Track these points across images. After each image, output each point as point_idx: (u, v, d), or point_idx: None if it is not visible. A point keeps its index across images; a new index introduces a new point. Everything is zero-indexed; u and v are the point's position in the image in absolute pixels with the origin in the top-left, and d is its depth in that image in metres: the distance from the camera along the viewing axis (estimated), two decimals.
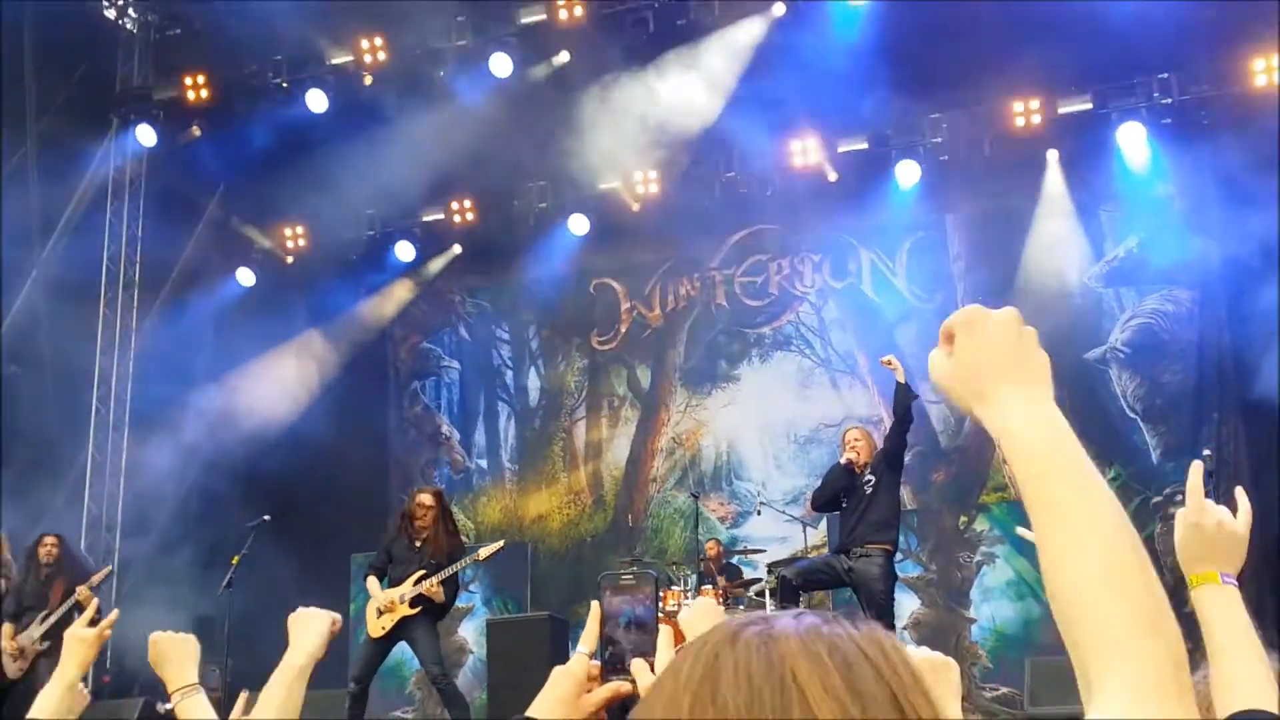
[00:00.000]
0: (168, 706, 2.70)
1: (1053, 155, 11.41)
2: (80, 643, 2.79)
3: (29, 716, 2.69)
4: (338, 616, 2.52)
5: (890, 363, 8.00)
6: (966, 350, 1.17)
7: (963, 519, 11.26)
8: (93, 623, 2.87)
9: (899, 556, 10.55)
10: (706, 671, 0.84)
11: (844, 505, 8.06)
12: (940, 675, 1.99)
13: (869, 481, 7.97)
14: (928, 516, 11.35)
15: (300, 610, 2.51)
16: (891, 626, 7.80)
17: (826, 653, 0.83)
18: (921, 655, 1.98)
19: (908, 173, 11.56)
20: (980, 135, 11.33)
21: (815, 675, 0.82)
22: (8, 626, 8.81)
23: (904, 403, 7.92)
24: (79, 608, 8.57)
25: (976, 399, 1.15)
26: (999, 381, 1.14)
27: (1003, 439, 1.11)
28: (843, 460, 8.11)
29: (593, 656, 1.80)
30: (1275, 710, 1.53)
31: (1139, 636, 0.97)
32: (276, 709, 2.31)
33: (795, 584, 7.91)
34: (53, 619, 8.69)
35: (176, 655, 2.70)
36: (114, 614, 2.93)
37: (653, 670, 1.75)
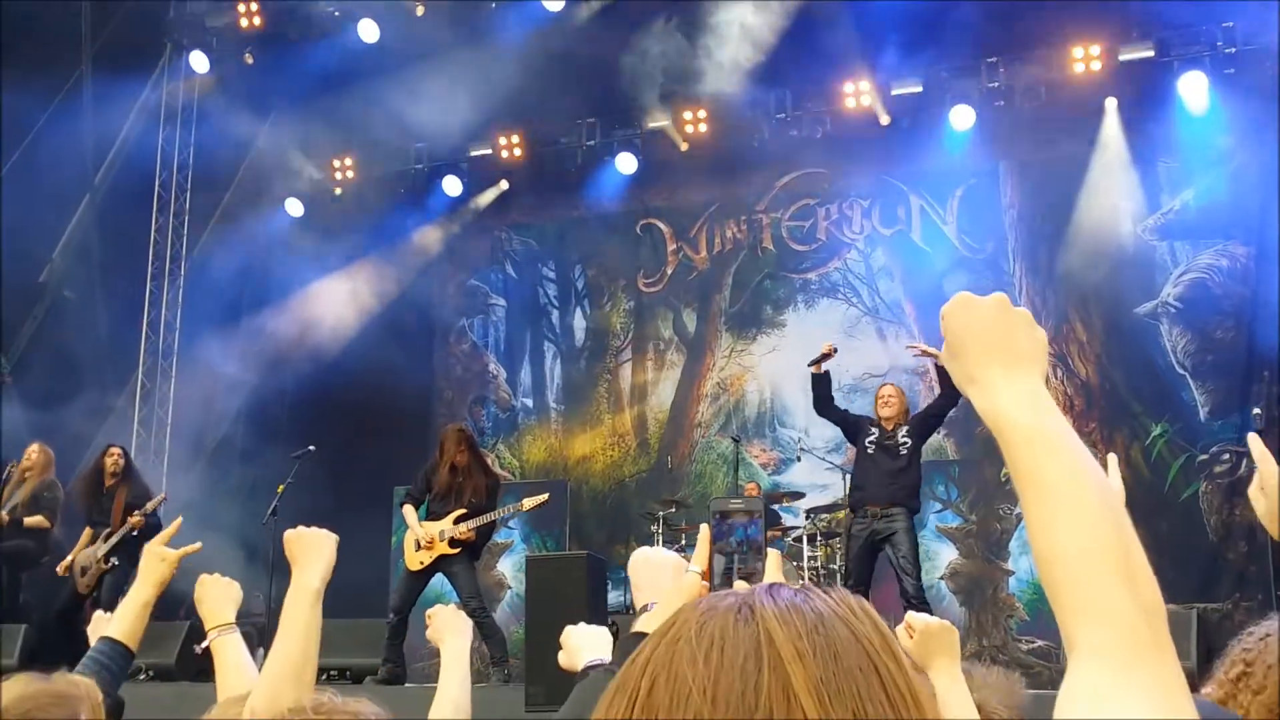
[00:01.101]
0: (204, 645, 2.73)
1: (1111, 103, 11.17)
2: (160, 561, 2.78)
3: (105, 634, 2.72)
4: (336, 537, 2.50)
5: (924, 351, 8.05)
6: (955, 336, 1.22)
7: (1004, 472, 11.14)
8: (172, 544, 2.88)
9: (938, 507, 10.54)
10: (684, 638, 0.85)
11: (869, 451, 8.02)
12: (940, 639, 2.03)
13: (904, 444, 7.93)
14: (968, 468, 11.29)
15: (300, 530, 2.48)
16: (920, 580, 7.82)
17: (800, 620, 0.85)
18: (922, 621, 2.03)
19: (962, 118, 11.38)
20: (1038, 81, 11.12)
21: (789, 640, 0.83)
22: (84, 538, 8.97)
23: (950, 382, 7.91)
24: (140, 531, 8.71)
25: (968, 381, 1.20)
26: (987, 365, 1.20)
27: (988, 418, 1.16)
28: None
29: (703, 577, 1.86)
30: None
31: (1110, 596, 1.00)
32: (302, 633, 2.30)
33: (865, 590, 7.75)
34: (115, 538, 8.81)
35: (218, 596, 2.76)
36: (196, 546, 2.94)
37: None
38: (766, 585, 0.90)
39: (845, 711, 0.81)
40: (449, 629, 2.73)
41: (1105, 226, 11.22)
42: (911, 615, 2.14)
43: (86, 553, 8.83)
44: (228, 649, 2.68)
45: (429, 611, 2.86)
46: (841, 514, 9.59)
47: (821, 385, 8.23)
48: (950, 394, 7.91)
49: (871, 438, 8.05)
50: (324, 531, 2.49)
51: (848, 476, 9.99)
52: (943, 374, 8.00)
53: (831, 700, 0.81)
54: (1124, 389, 11.15)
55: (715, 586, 1.86)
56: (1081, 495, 1.07)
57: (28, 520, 9.06)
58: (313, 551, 2.44)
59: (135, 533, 8.57)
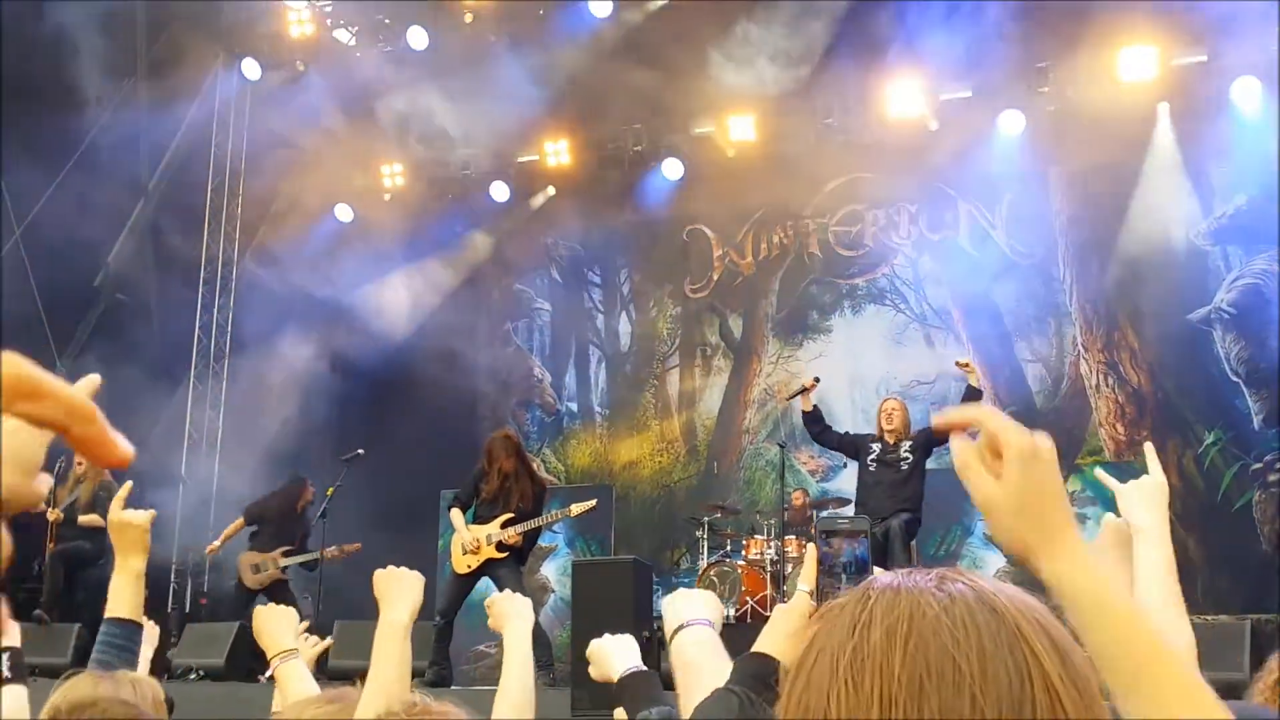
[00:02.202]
0: (268, 674, 2.76)
1: (1164, 108, 11.04)
2: (133, 527, 2.62)
3: (109, 615, 2.65)
4: (423, 577, 2.58)
5: (967, 366, 8.02)
6: (1020, 490, 1.05)
7: None
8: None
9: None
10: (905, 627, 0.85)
11: (871, 469, 8.03)
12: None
13: (906, 458, 7.92)
14: None
15: (389, 569, 2.55)
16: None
17: (1037, 611, 0.87)
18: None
19: (1012, 123, 11.29)
20: (1089, 86, 11.01)
21: (1038, 632, 0.85)
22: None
23: (974, 403, 7.97)
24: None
25: (1025, 548, 1.08)
26: (1054, 532, 1.06)
27: (1063, 591, 1.05)
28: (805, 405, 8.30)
29: (812, 596, 1.88)
30: None
31: None
32: (393, 667, 2.37)
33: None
34: (305, 559, 9.37)
35: (276, 625, 2.79)
36: (127, 485, 2.79)
37: None
38: (957, 575, 0.89)
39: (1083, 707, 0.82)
40: (510, 614, 2.75)
41: (1157, 232, 11.09)
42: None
43: (264, 557, 9.26)
44: (292, 675, 2.72)
45: (488, 600, 2.89)
46: None
47: (814, 421, 8.33)
48: None
49: (873, 455, 8.12)
50: (412, 571, 2.57)
51: None
52: (967, 396, 8.02)
53: (1079, 691, 0.83)
54: (1176, 397, 11.01)
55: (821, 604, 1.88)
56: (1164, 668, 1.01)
57: (84, 519, 9.21)
58: (402, 589, 2.51)
59: (315, 565, 9.14)
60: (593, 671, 2.36)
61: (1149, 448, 2.12)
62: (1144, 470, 2.26)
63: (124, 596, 2.60)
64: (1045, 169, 11.73)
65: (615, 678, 2.45)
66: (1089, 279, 11.53)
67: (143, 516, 2.61)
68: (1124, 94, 10.89)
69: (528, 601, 2.81)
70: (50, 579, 9.11)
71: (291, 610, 2.87)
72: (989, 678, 0.80)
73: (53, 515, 9.13)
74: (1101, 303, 11.45)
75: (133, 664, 2.55)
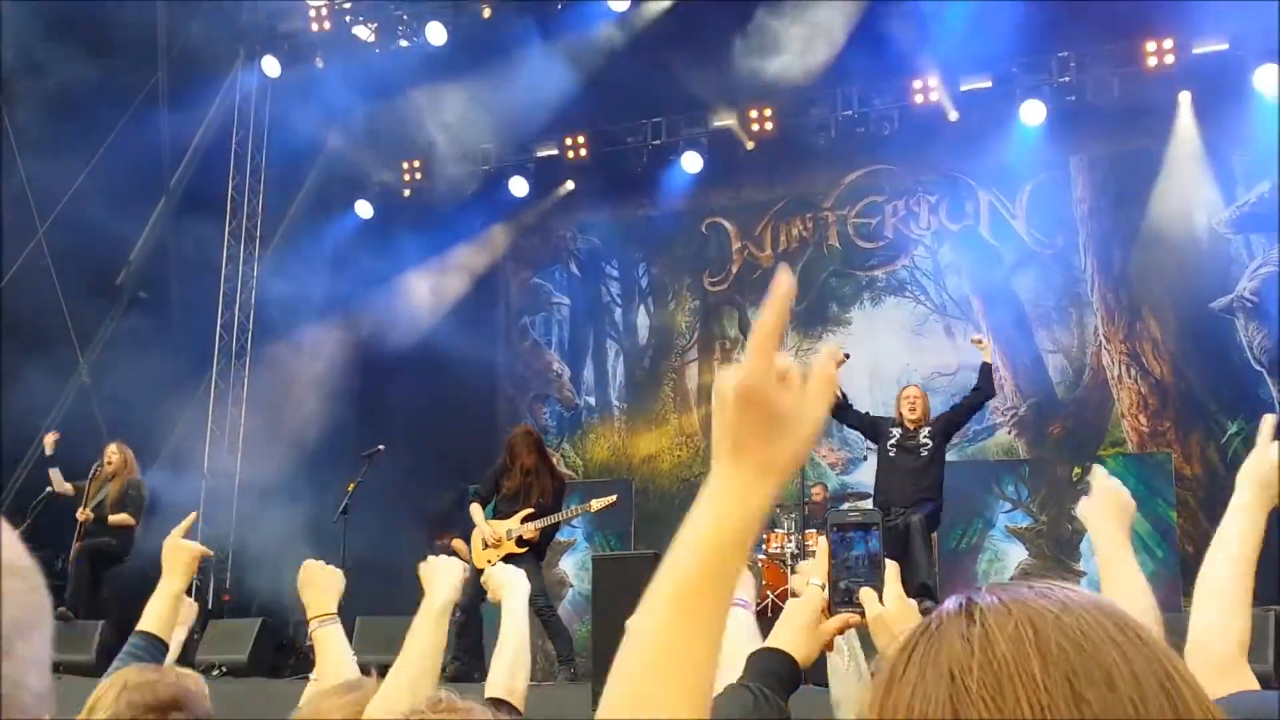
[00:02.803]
0: (309, 643, 2.79)
1: (1185, 97, 10.97)
2: (185, 552, 2.83)
3: (139, 628, 2.75)
4: (464, 565, 2.65)
5: (980, 342, 8.02)
6: (1120, 509, 2.03)
7: (1076, 470, 11.03)
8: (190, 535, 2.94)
9: (1007, 507, 10.42)
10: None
11: (890, 454, 8.01)
12: (910, 617, 1.94)
13: (925, 445, 7.90)
14: (1039, 467, 11.15)
15: (431, 559, 2.63)
16: (933, 574, 7.82)
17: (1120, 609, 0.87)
18: (891, 596, 1.91)
19: (1032, 113, 11.23)
20: (1110, 75, 10.94)
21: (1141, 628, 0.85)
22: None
23: (986, 378, 7.98)
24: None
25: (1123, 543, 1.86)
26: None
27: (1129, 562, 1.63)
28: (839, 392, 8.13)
29: (823, 589, 1.86)
30: None
31: None
32: (422, 649, 2.42)
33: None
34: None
35: (323, 584, 2.82)
36: (192, 515, 2.98)
37: (880, 602, 1.83)
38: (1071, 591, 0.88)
39: None
40: (506, 583, 2.82)
41: (1179, 221, 11.02)
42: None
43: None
44: (329, 641, 2.74)
45: (483, 577, 2.97)
46: None
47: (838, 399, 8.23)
48: (985, 395, 8.00)
49: (893, 440, 8.09)
50: (455, 560, 2.63)
51: None
52: (984, 375, 7.96)
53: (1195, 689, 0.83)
54: (1199, 386, 10.94)
55: (834, 600, 1.87)
56: None
57: (113, 519, 9.25)
58: (441, 576, 2.57)
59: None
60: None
61: (1098, 469, 2.20)
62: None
63: (158, 614, 2.72)
64: (1066, 158, 11.67)
65: None
66: (1110, 268, 11.47)
67: (198, 548, 2.83)
68: (1145, 83, 10.82)
69: (520, 572, 2.89)
70: (76, 576, 9.15)
71: (338, 571, 2.89)
72: (1137, 674, 0.80)
73: (82, 515, 9.16)
74: (1123, 292, 11.39)
75: None
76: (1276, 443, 2.05)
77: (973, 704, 0.80)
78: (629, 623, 0.97)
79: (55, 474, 9.46)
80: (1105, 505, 2.15)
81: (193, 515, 2.84)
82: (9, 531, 0.75)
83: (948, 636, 0.84)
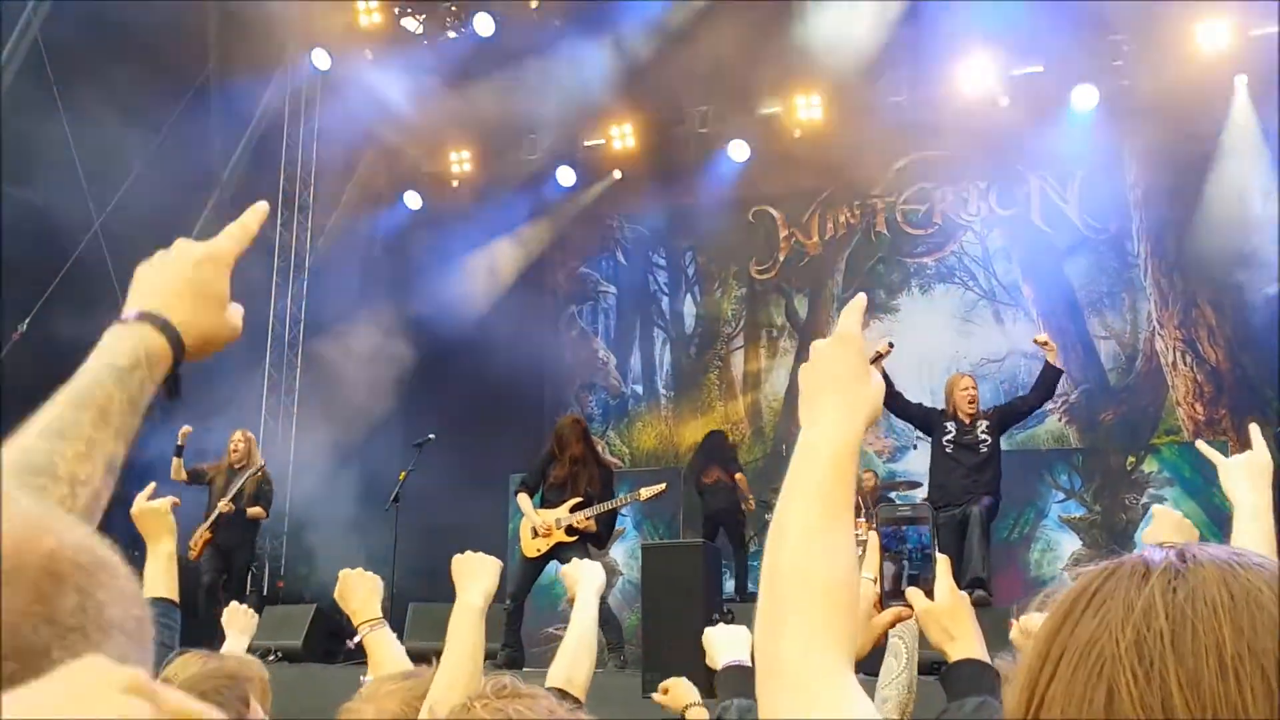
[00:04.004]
0: (355, 640, 2.82)
1: (1241, 80, 10.80)
2: (155, 514, 2.80)
3: (149, 595, 2.76)
4: (499, 562, 2.64)
5: (1046, 344, 7.83)
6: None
7: (1130, 459, 10.91)
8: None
9: (1060, 496, 10.31)
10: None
11: (947, 450, 7.83)
12: (961, 610, 1.90)
13: (984, 440, 7.74)
14: (1092, 456, 11.03)
15: (466, 554, 2.61)
16: (987, 566, 7.69)
17: None
18: (943, 589, 1.88)
19: (1085, 98, 11.10)
20: (1164, 59, 10.78)
21: None
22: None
23: (1053, 381, 7.78)
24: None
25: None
26: None
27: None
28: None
29: (875, 583, 1.88)
30: None
31: None
32: (466, 650, 2.40)
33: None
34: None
35: (363, 591, 2.85)
36: (151, 485, 2.96)
37: (929, 596, 1.82)
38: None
39: None
40: (581, 578, 2.93)
41: (1234, 205, 10.86)
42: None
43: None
44: (381, 643, 2.77)
45: (561, 570, 3.10)
46: None
47: (887, 386, 8.05)
48: (1045, 396, 7.83)
49: (949, 435, 7.80)
50: (488, 557, 2.62)
51: None
52: (1045, 374, 7.80)
53: None
54: (1255, 374, 10.78)
55: (886, 595, 1.87)
56: None
57: (250, 511, 9.20)
58: (477, 573, 2.56)
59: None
60: (708, 660, 2.49)
61: (1255, 427, 2.22)
62: (1220, 451, 2.30)
63: (160, 578, 2.74)
64: (1120, 143, 11.52)
65: (717, 667, 2.50)
66: (1164, 253, 11.32)
67: (164, 504, 2.80)
68: (1200, 66, 10.66)
69: (597, 565, 2.99)
70: (211, 569, 9.10)
71: (374, 575, 2.91)
72: None
73: (225, 506, 9.03)
74: (1178, 277, 11.24)
75: (173, 639, 2.65)
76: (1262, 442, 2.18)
77: (1207, 674, 0.77)
78: (775, 516, 1.15)
79: (176, 463, 9.21)
80: (1248, 468, 2.21)
81: (151, 485, 2.86)
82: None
83: (1152, 582, 0.83)
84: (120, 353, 1.15)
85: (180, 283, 1.21)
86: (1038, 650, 0.85)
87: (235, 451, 9.28)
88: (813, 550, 1.10)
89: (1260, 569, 0.82)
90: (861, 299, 1.37)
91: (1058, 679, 0.82)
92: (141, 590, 0.79)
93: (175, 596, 2.77)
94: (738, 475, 10.48)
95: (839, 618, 1.07)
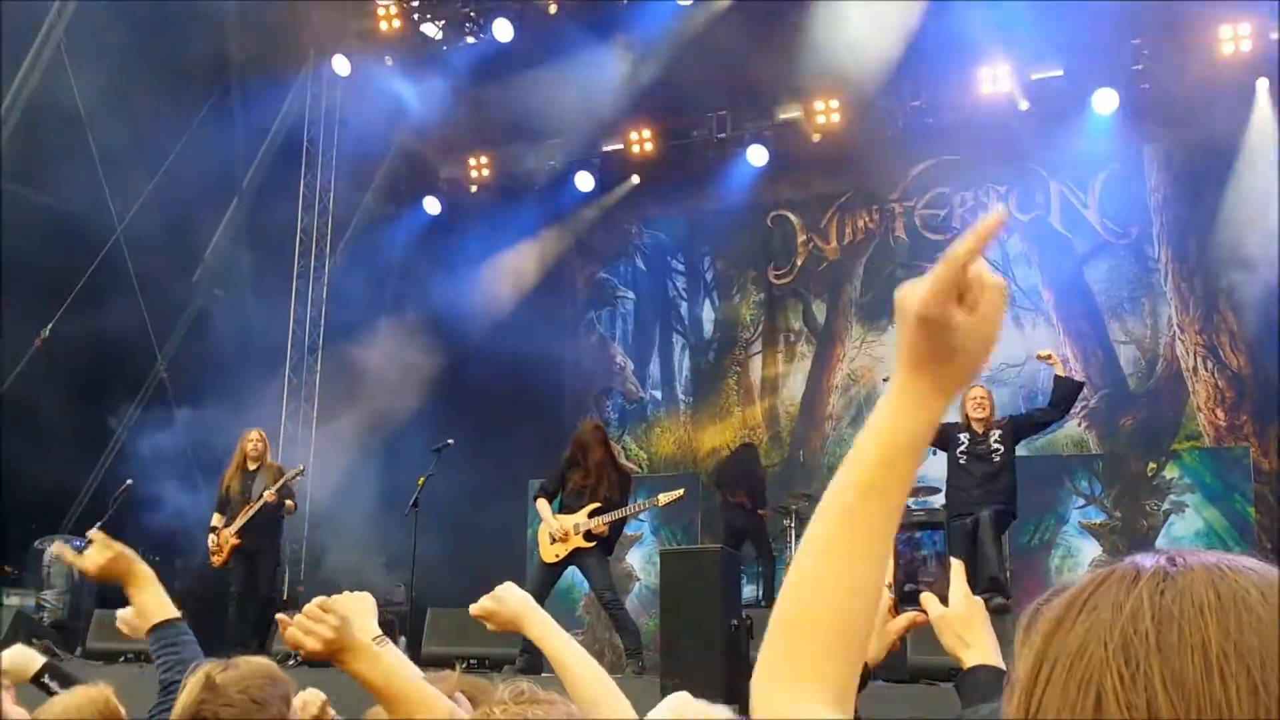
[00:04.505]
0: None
1: (1263, 84, 10.74)
2: (112, 554, 2.81)
3: (155, 622, 2.80)
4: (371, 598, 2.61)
5: (1049, 358, 7.84)
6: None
7: (1151, 465, 10.86)
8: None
9: (1080, 502, 10.26)
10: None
11: (961, 461, 7.85)
12: (975, 616, 1.89)
13: (997, 449, 7.74)
14: (1113, 462, 10.98)
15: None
16: (1005, 569, 7.64)
17: None
18: (957, 595, 1.88)
19: (1105, 101, 11.05)
20: (1185, 62, 10.74)
21: None
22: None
23: (1070, 394, 7.76)
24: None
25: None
26: None
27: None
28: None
29: (890, 589, 1.88)
30: None
31: None
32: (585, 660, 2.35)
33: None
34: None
35: (356, 613, 2.82)
36: (96, 531, 2.97)
37: (944, 603, 1.82)
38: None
39: None
40: (515, 614, 2.47)
41: (1257, 210, 10.78)
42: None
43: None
44: (389, 661, 2.76)
45: (477, 608, 2.52)
46: None
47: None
48: (1065, 409, 7.82)
49: (962, 446, 7.86)
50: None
51: None
52: (1060, 387, 7.78)
53: None
54: (1277, 379, 10.70)
55: (900, 599, 1.87)
56: None
57: (289, 504, 9.26)
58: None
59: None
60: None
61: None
62: (1241, 458, 2.23)
63: (155, 604, 2.80)
64: (1140, 147, 11.48)
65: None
66: (1186, 258, 11.26)
67: (116, 545, 2.81)
68: (1221, 69, 10.61)
69: (510, 585, 2.52)
70: (242, 571, 9.13)
71: (365, 594, 2.89)
72: None
73: (270, 495, 8.99)
74: (1199, 282, 11.18)
75: (196, 651, 2.67)
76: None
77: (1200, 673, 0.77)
78: (821, 504, 1.08)
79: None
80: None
81: (97, 532, 2.90)
82: None
83: (1141, 585, 0.82)
84: None
85: None
86: (1033, 657, 0.85)
87: (253, 448, 9.32)
88: (809, 568, 1.06)
89: (1250, 572, 0.82)
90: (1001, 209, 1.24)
91: (1051, 684, 0.82)
92: None
93: (176, 612, 2.82)
94: (761, 512, 10.52)
95: (808, 649, 1.02)
